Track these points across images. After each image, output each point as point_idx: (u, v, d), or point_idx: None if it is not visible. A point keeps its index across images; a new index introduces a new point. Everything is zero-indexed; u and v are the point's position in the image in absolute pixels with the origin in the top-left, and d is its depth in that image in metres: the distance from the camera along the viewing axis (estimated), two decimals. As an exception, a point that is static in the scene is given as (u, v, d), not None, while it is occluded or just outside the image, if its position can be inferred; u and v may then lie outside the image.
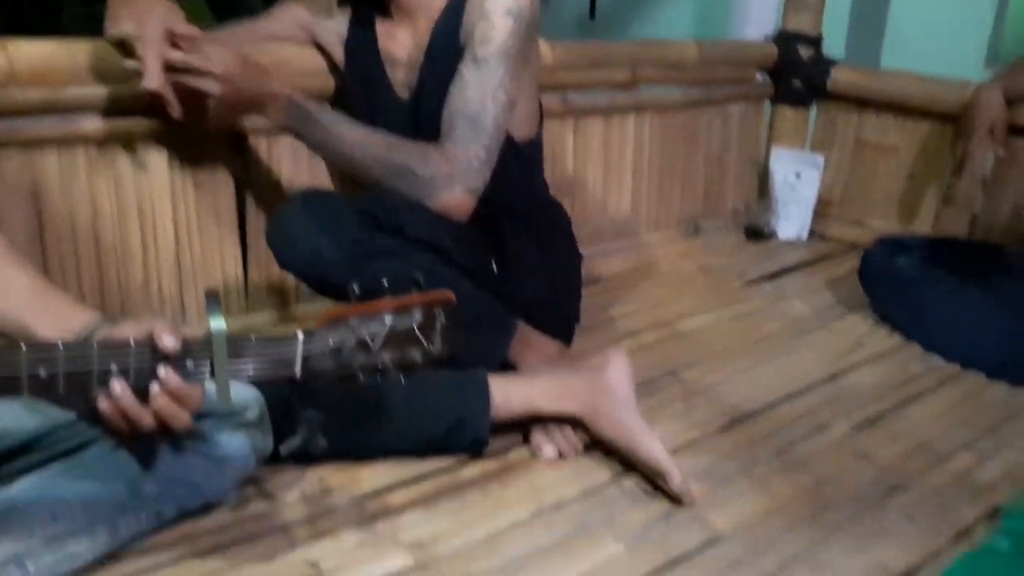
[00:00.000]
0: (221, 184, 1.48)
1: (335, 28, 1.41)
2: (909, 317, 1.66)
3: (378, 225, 1.18)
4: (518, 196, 1.39)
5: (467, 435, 1.18)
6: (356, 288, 0.88)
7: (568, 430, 1.25)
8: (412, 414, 1.16)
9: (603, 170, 2.01)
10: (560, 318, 1.45)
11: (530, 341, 1.35)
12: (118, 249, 1.38)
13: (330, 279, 1.18)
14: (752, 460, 1.27)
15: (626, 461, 1.21)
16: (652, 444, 1.17)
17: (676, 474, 1.14)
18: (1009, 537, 1.07)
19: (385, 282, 0.89)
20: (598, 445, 1.25)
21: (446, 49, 1.28)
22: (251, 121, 1.41)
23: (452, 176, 1.22)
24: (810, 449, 1.30)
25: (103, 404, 0.82)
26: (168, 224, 1.42)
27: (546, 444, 1.24)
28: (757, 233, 2.20)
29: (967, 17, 2.40)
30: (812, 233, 2.23)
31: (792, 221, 2.20)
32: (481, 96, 1.22)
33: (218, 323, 0.82)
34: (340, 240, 1.17)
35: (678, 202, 2.19)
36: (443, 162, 1.22)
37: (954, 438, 1.34)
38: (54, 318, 0.89)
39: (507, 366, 1.32)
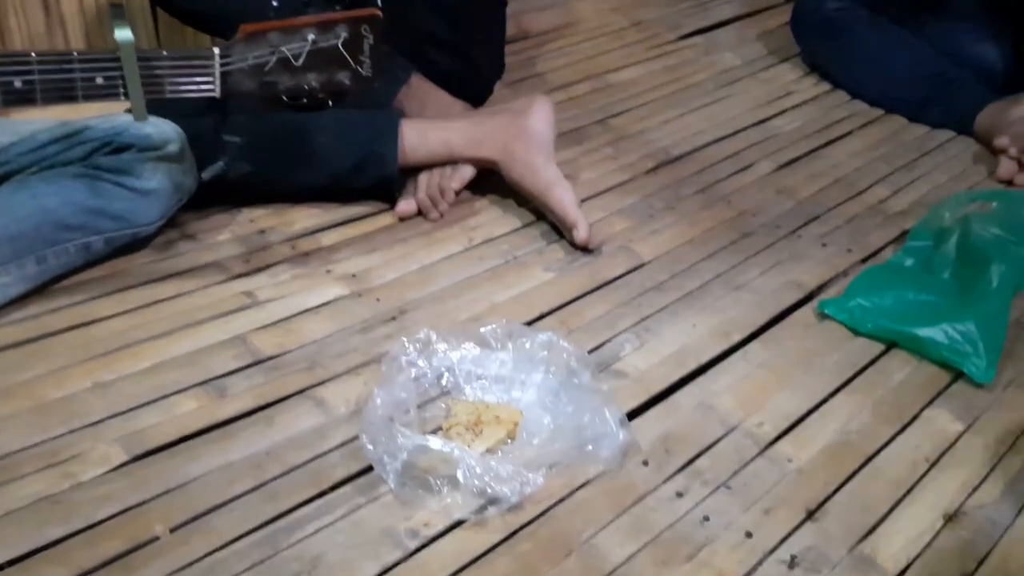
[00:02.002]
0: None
1: None
2: (837, 62, 1.67)
3: None
4: None
5: (375, 171, 1.16)
6: (275, 2, 0.85)
7: (447, 185, 1.19)
8: (324, 145, 1.13)
9: (532, -84, 1.90)
10: (471, 71, 1.37)
11: (427, 94, 1.29)
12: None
13: (187, 6, 1.16)
14: (677, 198, 1.30)
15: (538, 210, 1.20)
16: (564, 194, 1.14)
17: (583, 227, 1.12)
18: (912, 255, 1.13)
19: (275, 2, 0.85)
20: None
21: None
22: None
23: None
24: (733, 186, 1.34)
25: None
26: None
27: (404, 200, 1.19)
28: (691, -12, 2.14)
29: None
30: (747, -13, 2.17)
31: (727, -25, 2.14)
32: None
33: (124, 33, 0.79)
34: None
35: (611, -46, 2.10)
36: None
37: (871, 174, 1.39)
38: None
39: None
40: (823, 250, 1.18)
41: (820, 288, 1.11)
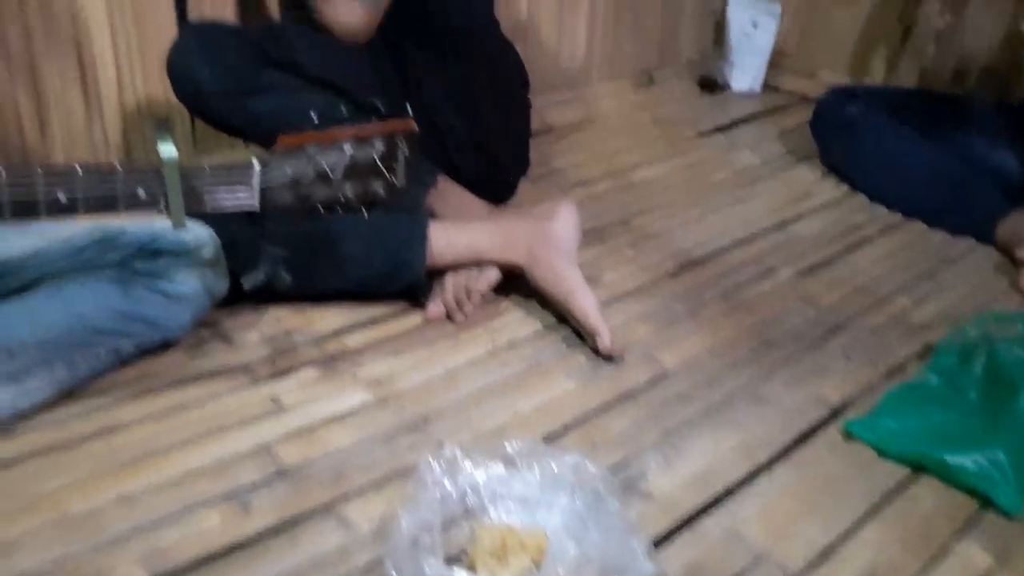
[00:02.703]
0: (163, 13, 1.40)
1: None
2: (856, 166, 1.69)
3: (269, 59, 1.16)
4: (451, 28, 1.33)
5: (403, 277, 1.18)
6: (315, 116, 0.87)
7: (474, 287, 1.20)
8: (354, 253, 1.15)
9: (556, 15, 1.95)
10: (496, 172, 1.40)
11: (452, 197, 1.31)
12: (56, 89, 1.32)
13: (208, 113, 1.19)
14: (699, 302, 1.30)
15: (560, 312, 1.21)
16: (586, 301, 1.16)
17: (606, 335, 1.13)
18: (938, 373, 1.12)
19: (314, 116, 0.87)
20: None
21: None
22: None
23: None
24: (755, 292, 1.34)
25: None
26: (108, 60, 1.35)
27: (433, 302, 1.21)
28: (711, 84, 2.18)
29: None
30: (765, 85, 2.22)
31: (746, 72, 2.18)
32: None
33: (168, 150, 0.81)
34: (221, 72, 1.15)
35: (632, 51, 2.15)
36: None
37: (893, 282, 1.39)
38: None
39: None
40: (847, 363, 1.18)
41: (845, 405, 1.10)
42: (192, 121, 1.44)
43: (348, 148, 0.89)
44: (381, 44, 1.26)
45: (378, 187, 0.92)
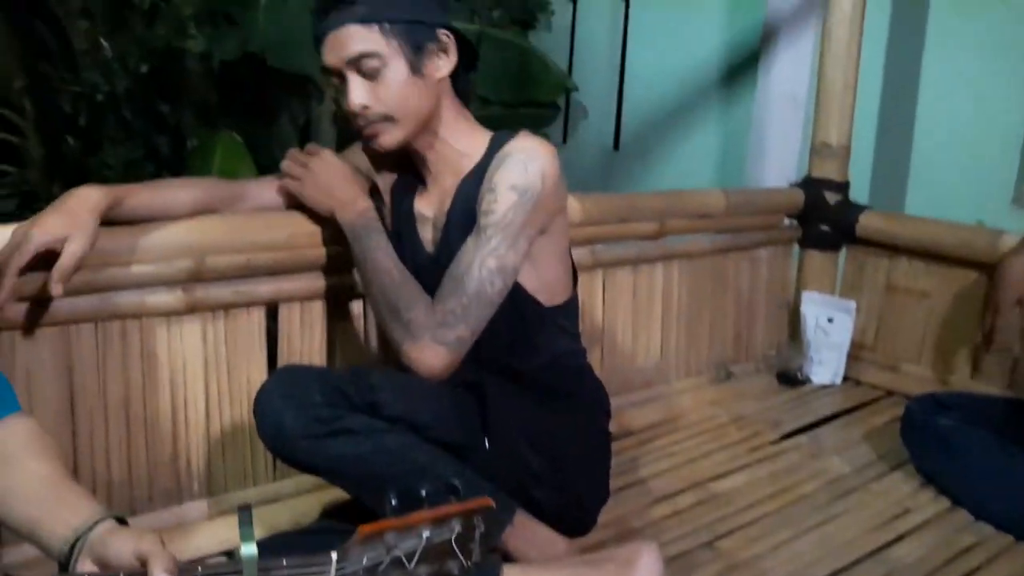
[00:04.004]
0: (254, 353, 1.47)
1: (391, 178, 1.45)
2: (955, 481, 1.60)
3: (351, 402, 1.19)
4: (536, 361, 1.37)
5: None
6: (393, 500, 0.86)
7: None
8: None
9: (632, 319, 2.00)
10: (575, 506, 1.38)
11: (530, 533, 1.29)
12: (148, 423, 1.37)
13: (290, 454, 1.21)
14: (801, 658, 1.20)
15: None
16: None
17: None
18: None
19: (393, 499, 0.87)
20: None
21: (465, 212, 1.31)
22: (286, 289, 1.47)
23: (424, 326, 1.23)
24: (861, 643, 1.24)
25: None
26: (199, 395, 1.41)
27: None
28: (790, 378, 2.16)
29: (992, 160, 2.40)
30: (846, 377, 2.19)
31: (825, 366, 2.16)
32: (471, 260, 1.25)
33: (249, 549, 0.80)
34: (302, 415, 1.18)
35: (707, 347, 2.17)
36: (423, 312, 1.24)
37: (1012, 628, 1.27)
38: (60, 513, 0.90)
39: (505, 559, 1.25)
40: None
41: None
42: (275, 461, 1.48)
43: (425, 532, 0.87)
44: (461, 378, 1.29)
45: (452, 567, 0.90)
